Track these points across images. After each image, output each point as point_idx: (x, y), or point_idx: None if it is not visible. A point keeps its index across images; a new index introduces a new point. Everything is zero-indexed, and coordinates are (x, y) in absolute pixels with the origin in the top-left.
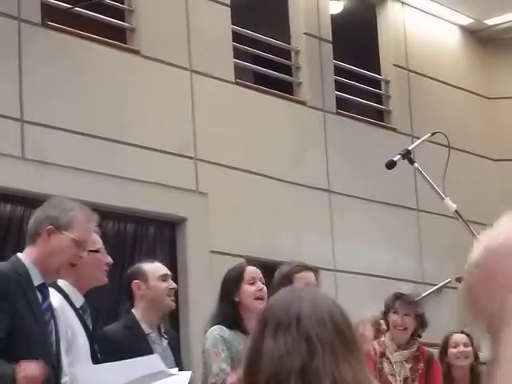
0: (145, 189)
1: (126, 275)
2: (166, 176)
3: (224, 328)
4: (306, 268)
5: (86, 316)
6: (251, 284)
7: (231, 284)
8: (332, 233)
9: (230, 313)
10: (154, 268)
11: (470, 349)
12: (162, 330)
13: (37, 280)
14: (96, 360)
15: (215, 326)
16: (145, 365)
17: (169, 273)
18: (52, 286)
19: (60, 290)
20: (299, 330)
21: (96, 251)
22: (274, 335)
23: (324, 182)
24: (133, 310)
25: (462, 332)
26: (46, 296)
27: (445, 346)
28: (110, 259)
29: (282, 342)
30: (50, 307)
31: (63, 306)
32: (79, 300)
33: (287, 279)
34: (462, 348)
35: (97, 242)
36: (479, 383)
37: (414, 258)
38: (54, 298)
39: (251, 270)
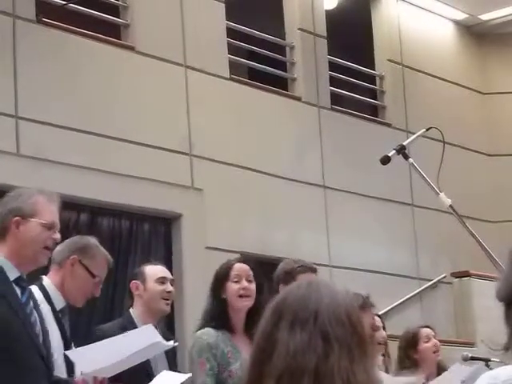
0: (140, 185)
1: (130, 274)
2: (161, 172)
3: (211, 331)
4: (311, 269)
5: (64, 320)
6: (236, 282)
7: (218, 281)
8: (327, 228)
9: (217, 310)
10: (154, 270)
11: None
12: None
13: (12, 274)
14: (70, 364)
15: (202, 331)
16: (139, 337)
17: (168, 276)
18: (36, 285)
19: (43, 288)
20: (316, 326)
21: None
22: (291, 329)
23: (319, 178)
24: (131, 310)
25: (427, 326)
26: (24, 288)
27: (414, 341)
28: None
29: (298, 337)
30: (29, 299)
31: (40, 303)
32: (60, 303)
33: (291, 276)
34: (434, 341)
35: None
36: None
37: (408, 253)
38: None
39: (237, 268)
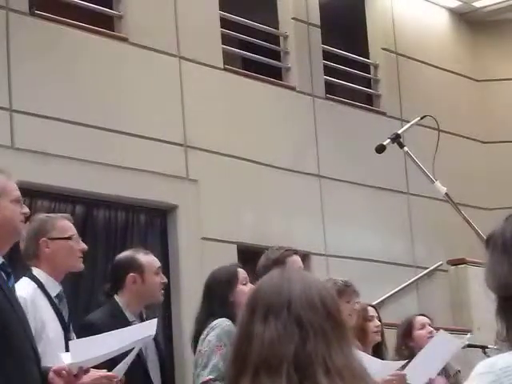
0: (135, 176)
1: (118, 263)
2: (156, 163)
3: (229, 321)
4: (295, 252)
5: (61, 305)
6: (244, 285)
7: (226, 284)
8: (323, 218)
9: (224, 313)
10: (151, 261)
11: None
12: (144, 317)
13: None
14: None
15: (222, 319)
16: (140, 331)
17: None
18: (27, 276)
19: (34, 278)
20: (290, 314)
21: (68, 238)
22: (264, 320)
23: (314, 167)
24: (116, 297)
25: (422, 315)
26: (9, 274)
27: (409, 329)
28: (84, 246)
29: (272, 326)
30: (14, 285)
31: (35, 295)
32: (55, 289)
33: (280, 263)
34: (430, 328)
35: (69, 229)
36: None
37: (404, 242)
38: (26, 288)
39: (243, 272)
